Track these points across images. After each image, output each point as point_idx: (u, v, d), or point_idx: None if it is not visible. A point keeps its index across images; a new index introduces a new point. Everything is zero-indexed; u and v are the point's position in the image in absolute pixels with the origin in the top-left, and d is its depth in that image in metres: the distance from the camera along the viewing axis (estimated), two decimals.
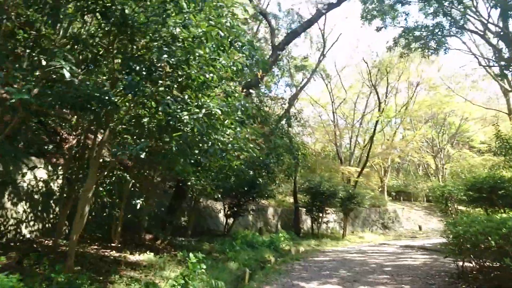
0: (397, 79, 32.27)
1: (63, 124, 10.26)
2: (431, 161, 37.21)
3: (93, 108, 4.52)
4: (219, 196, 15.29)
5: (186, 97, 4.86)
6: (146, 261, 7.96)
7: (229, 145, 5.26)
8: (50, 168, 9.08)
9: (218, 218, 17.72)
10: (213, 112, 4.52)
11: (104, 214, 9.57)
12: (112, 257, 7.60)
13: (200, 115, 4.40)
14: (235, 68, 5.69)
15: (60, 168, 9.00)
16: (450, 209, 18.56)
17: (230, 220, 16.48)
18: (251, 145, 8.13)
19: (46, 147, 9.43)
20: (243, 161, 10.66)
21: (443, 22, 17.05)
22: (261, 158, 13.51)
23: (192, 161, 5.57)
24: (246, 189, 14.90)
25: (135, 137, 6.05)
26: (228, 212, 16.29)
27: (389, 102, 31.76)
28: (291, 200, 22.64)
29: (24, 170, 8.21)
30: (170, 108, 4.21)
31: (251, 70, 7.67)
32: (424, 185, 38.02)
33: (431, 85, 33.78)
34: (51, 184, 8.86)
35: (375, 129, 26.39)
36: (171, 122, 4.27)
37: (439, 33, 16.42)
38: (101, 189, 8.86)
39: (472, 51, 23.55)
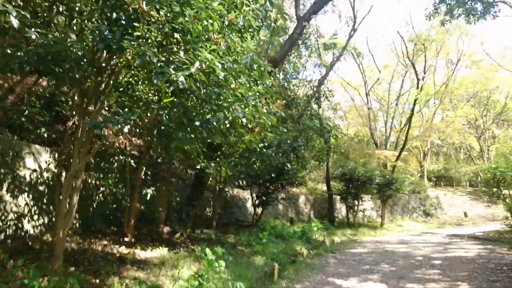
0: (435, 55, 29.94)
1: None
2: (474, 143, 34.61)
3: (58, 70, 3.52)
4: (244, 183, 14.37)
5: (182, 53, 3.77)
6: (158, 258, 7.00)
7: (236, 112, 4.05)
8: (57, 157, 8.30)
9: (246, 208, 16.72)
10: (211, 68, 3.41)
11: (114, 206, 8.70)
12: (118, 255, 6.69)
13: (193, 70, 3.29)
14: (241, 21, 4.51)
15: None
16: (502, 193, 16.66)
17: (259, 210, 15.42)
18: (267, 114, 7.01)
19: (54, 135, 8.65)
20: (260, 139, 9.55)
21: None
22: (288, 141, 12.32)
23: (197, 137, 4.44)
24: (273, 176, 13.78)
25: (126, 109, 5.03)
26: (256, 202, 15.24)
27: (427, 80, 29.45)
28: (324, 187, 21.33)
29: (26, 159, 7.43)
30: (152, 62, 3.14)
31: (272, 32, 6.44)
32: (467, 168, 35.55)
33: (473, 60, 31.18)
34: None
35: (413, 109, 24.38)
36: (155, 81, 3.20)
37: None
38: (107, 176, 7.98)
39: None
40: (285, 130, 13.06)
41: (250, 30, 5.09)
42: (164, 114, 3.89)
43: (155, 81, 3.27)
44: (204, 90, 3.69)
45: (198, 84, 3.60)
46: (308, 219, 19.66)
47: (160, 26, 3.81)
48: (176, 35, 3.80)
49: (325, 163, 20.61)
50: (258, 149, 9.83)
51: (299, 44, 19.30)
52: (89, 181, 8.38)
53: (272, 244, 10.42)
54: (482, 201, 29.41)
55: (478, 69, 31.32)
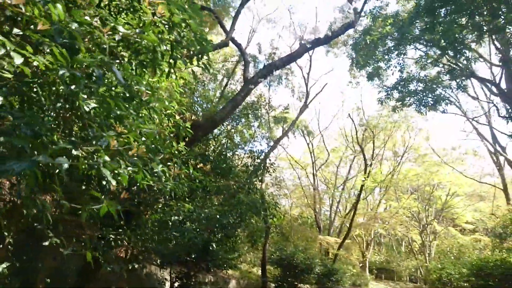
0: (383, 144, 30.19)
1: None
2: (416, 237, 34.15)
3: None
4: (159, 262, 11.97)
5: None
6: None
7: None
8: None
9: None
10: None
11: None
12: None
13: None
14: None
15: None
16: None
17: None
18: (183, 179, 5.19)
19: None
20: (175, 211, 7.59)
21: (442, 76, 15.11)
22: (218, 217, 10.36)
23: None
24: (195, 256, 11.52)
25: None
26: (175, 285, 12.66)
27: (374, 168, 29.28)
28: (260, 272, 18.94)
29: None
30: None
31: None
32: (409, 263, 34.64)
33: (419, 154, 31.79)
34: None
35: (359, 195, 23.48)
36: None
37: (438, 87, 14.37)
38: None
39: (467, 117, 21.75)
40: (215, 204, 11.18)
41: None
42: None
43: None
44: None
45: None
46: None
47: None
48: None
49: (263, 245, 18.54)
50: (171, 223, 7.80)
51: (248, 114, 18.22)
52: None
53: None
54: None
55: (423, 163, 31.83)
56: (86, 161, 2.67)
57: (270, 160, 16.00)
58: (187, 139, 7.62)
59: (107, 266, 6.83)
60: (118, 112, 3.49)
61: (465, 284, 14.37)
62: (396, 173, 31.15)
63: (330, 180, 32.02)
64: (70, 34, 2.64)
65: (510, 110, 13.90)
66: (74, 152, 2.72)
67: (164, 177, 4.60)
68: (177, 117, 6.22)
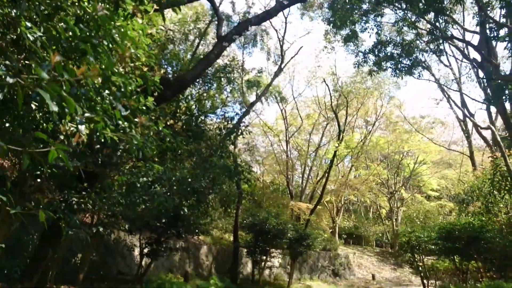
0: (355, 112, 30.29)
1: None
2: (384, 203, 35.10)
3: None
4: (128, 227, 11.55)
5: None
6: None
7: None
8: None
9: (133, 258, 13.65)
10: None
11: None
12: None
13: None
14: None
15: None
16: (416, 259, 15.68)
17: (148, 261, 12.46)
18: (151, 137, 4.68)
19: None
20: (143, 173, 7.11)
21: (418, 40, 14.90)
22: (189, 179, 9.94)
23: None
24: (166, 221, 11.15)
25: None
26: (145, 250, 12.31)
27: (347, 135, 29.37)
28: (232, 238, 18.87)
29: None
30: None
31: None
32: (376, 228, 35.70)
33: (390, 121, 32.17)
34: None
35: (332, 160, 23.43)
36: None
37: (415, 51, 14.16)
38: None
39: (439, 83, 21.96)
40: (187, 167, 10.69)
41: None
42: None
43: None
44: None
45: None
46: (209, 273, 16.92)
47: None
48: None
49: (235, 211, 18.40)
50: (139, 185, 7.30)
51: (221, 77, 17.51)
52: None
53: None
54: (389, 263, 29.05)
55: (394, 131, 32.28)
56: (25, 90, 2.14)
57: (244, 123, 15.58)
58: (155, 95, 7.04)
59: (69, 230, 6.32)
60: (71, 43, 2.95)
61: (433, 247, 14.77)
62: (367, 140, 31.46)
63: (302, 147, 31.96)
64: None
65: (483, 73, 13.93)
66: (9, 80, 2.18)
67: (129, 129, 4.11)
68: (145, 69, 5.64)
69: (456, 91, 23.99)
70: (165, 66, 12.86)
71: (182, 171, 10.34)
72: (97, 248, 12.04)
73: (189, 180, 9.95)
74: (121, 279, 11.95)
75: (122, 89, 4.05)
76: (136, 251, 13.30)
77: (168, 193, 9.52)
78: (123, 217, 9.19)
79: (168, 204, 9.36)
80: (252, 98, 23.01)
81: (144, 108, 5.45)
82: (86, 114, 2.81)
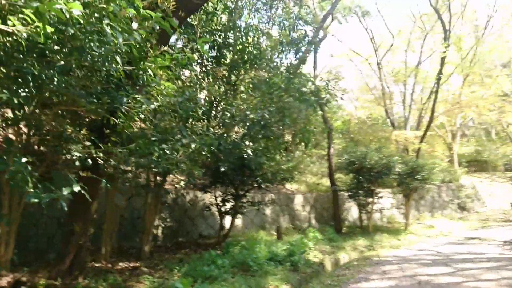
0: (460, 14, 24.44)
1: None
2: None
3: None
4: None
5: None
6: None
7: None
8: None
9: (215, 218, 11.94)
10: None
11: None
12: None
13: None
14: None
15: None
16: None
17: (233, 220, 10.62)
18: None
19: None
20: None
21: None
22: (259, 111, 7.48)
23: None
24: (237, 171, 8.98)
25: None
26: (222, 209, 10.46)
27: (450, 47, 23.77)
28: (329, 182, 16.32)
29: None
30: None
31: None
32: (505, 150, 29.95)
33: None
34: None
35: (441, 69, 18.66)
36: None
37: None
38: None
39: None
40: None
41: None
42: None
43: None
44: None
45: None
46: (308, 225, 14.78)
47: None
48: None
49: (327, 148, 15.73)
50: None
51: None
52: None
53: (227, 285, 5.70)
54: None
55: None
56: None
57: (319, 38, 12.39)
58: None
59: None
60: None
61: None
62: (480, 46, 25.40)
63: (399, 70, 27.10)
64: None
65: None
66: None
67: None
68: None
69: None
70: None
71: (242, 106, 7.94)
72: (168, 212, 10.54)
73: (259, 112, 7.49)
74: (202, 243, 10.32)
75: None
76: (213, 210, 11.55)
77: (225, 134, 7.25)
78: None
79: (226, 147, 7.08)
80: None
81: None
82: None
